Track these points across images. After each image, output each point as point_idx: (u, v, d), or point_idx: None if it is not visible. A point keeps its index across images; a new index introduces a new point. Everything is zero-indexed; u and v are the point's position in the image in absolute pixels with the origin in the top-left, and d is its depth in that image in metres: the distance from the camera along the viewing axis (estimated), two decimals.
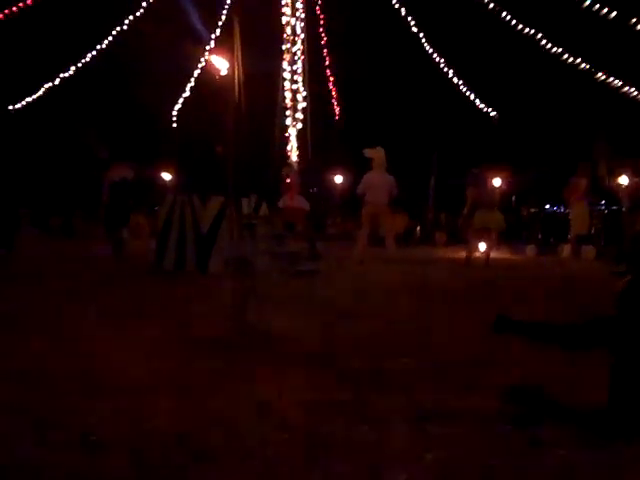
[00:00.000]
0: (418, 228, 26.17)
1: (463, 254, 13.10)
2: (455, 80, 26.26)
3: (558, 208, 25.53)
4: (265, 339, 4.76)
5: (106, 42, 26.63)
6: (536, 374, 3.89)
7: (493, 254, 13.65)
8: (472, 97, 26.24)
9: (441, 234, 24.06)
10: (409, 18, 26.29)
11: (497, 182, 17.38)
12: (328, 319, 5.84)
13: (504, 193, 19.87)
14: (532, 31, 24.11)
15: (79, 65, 26.80)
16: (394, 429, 2.97)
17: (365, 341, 4.91)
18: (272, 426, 3.00)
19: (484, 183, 13.29)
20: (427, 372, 3.98)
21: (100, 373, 3.86)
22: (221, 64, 5.77)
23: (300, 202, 14.03)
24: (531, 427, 3.01)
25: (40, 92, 27.07)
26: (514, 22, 24.32)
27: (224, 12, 25.92)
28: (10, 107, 26.89)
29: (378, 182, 13.46)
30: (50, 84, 26.94)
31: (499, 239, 14.38)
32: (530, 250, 18.40)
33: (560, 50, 23.94)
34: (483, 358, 4.35)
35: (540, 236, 21.92)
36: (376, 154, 13.58)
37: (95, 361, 4.16)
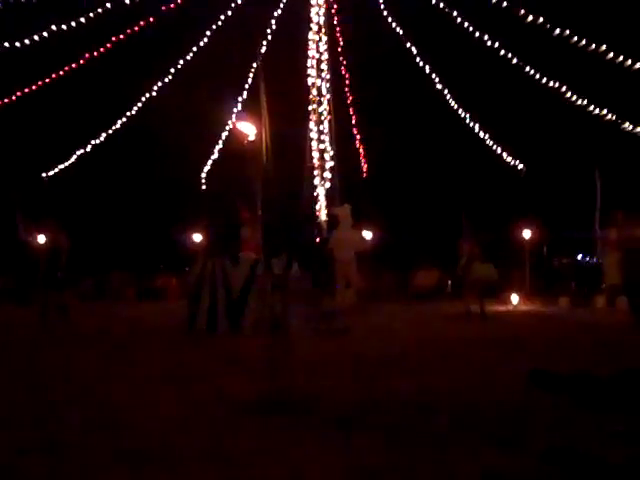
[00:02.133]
0: (449, 283, 26.03)
1: (496, 307, 12.94)
2: (481, 134, 26.39)
3: (590, 258, 25.25)
4: (299, 401, 4.73)
5: (135, 108, 27.16)
6: (574, 432, 3.83)
7: (525, 307, 13.46)
8: (499, 150, 26.31)
9: None
10: (433, 75, 26.61)
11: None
12: (359, 379, 5.83)
13: (534, 244, 19.76)
14: (557, 84, 24.29)
15: (109, 132, 27.32)
16: None
17: (397, 399, 4.88)
18: None
19: (476, 235, 13.27)
20: (460, 430, 3.93)
21: (130, 437, 3.87)
22: (248, 129, 5.87)
23: None
24: None
25: (72, 159, 27.56)
26: (538, 76, 24.53)
27: (250, 76, 26.37)
28: (44, 174, 27.39)
29: (343, 239, 13.53)
30: (82, 151, 27.45)
31: (486, 291, 14.02)
32: (562, 301, 18.17)
33: (585, 102, 24.06)
34: (519, 414, 4.28)
35: (573, 287, 21.61)
36: (341, 212, 13.69)
37: (126, 425, 4.17)
